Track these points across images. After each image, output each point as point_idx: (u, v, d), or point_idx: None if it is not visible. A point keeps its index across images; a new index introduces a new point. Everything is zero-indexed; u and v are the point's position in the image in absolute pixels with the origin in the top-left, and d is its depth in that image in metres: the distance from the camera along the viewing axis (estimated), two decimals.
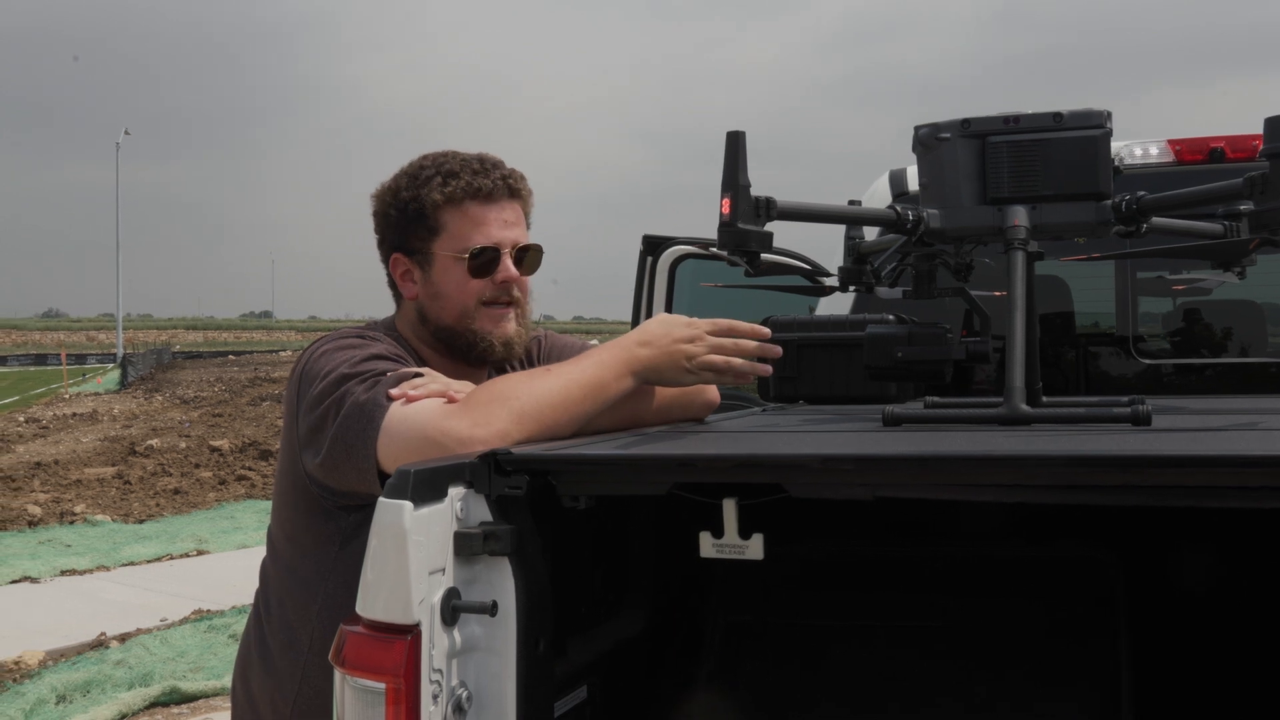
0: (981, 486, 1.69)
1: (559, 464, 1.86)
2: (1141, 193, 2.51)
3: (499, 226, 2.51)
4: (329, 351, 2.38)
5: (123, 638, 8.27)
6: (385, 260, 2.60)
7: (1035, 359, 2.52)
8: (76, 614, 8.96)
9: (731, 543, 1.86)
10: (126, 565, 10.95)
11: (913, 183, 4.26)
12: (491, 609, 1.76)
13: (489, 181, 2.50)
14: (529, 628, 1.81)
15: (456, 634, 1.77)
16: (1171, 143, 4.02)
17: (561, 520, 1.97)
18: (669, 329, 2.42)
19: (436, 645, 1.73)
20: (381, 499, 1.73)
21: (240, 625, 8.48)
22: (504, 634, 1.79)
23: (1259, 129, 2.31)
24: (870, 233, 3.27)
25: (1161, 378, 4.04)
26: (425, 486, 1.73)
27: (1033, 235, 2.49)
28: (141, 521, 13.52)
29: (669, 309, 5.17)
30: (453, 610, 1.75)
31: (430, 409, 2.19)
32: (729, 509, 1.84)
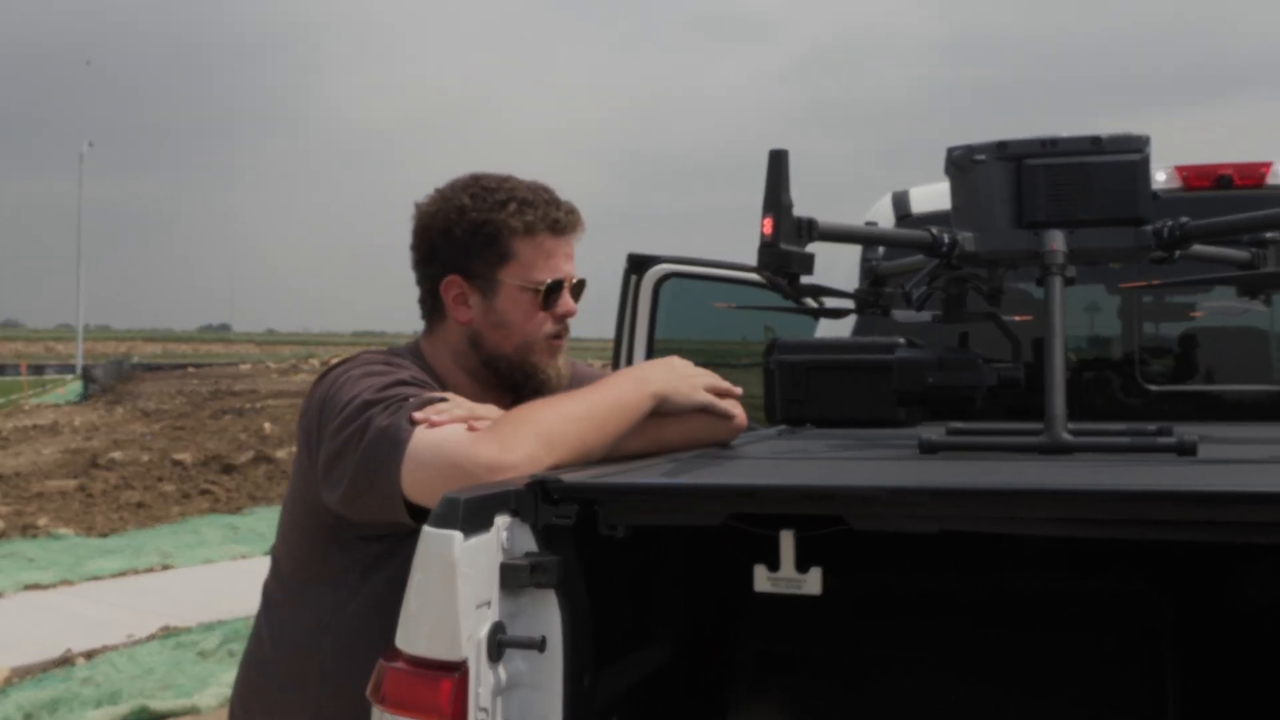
0: (1057, 521, 1.63)
1: (610, 493, 1.79)
2: (1185, 219, 2.47)
3: (564, 260, 2.49)
4: (353, 378, 2.30)
5: (89, 655, 8.09)
6: (432, 278, 2.49)
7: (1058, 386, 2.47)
8: (42, 630, 8.76)
9: (788, 576, 1.79)
10: (91, 580, 10.72)
11: (916, 204, 4.24)
12: (540, 644, 1.69)
13: (561, 215, 2.47)
14: (575, 663, 1.74)
15: (501, 670, 1.70)
16: (1179, 169, 3.99)
17: (599, 549, 1.90)
18: (677, 361, 2.50)
19: (482, 682, 1.66)
20: (427, 528, 1.66)
21: (208, 642, 8.35)
22: (550, 669, 1.72)
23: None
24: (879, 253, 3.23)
25: (1169, 404, 4.00)
26: (473, 516, 1.65)
27: (1070, 260, 2.45)
28: (105, 535, 13.26)
29: (652, 328, 5.14)
30: (498, 645, 1.68)
31: (457, 435, 2.12)
32: (786, 541, 1.77)
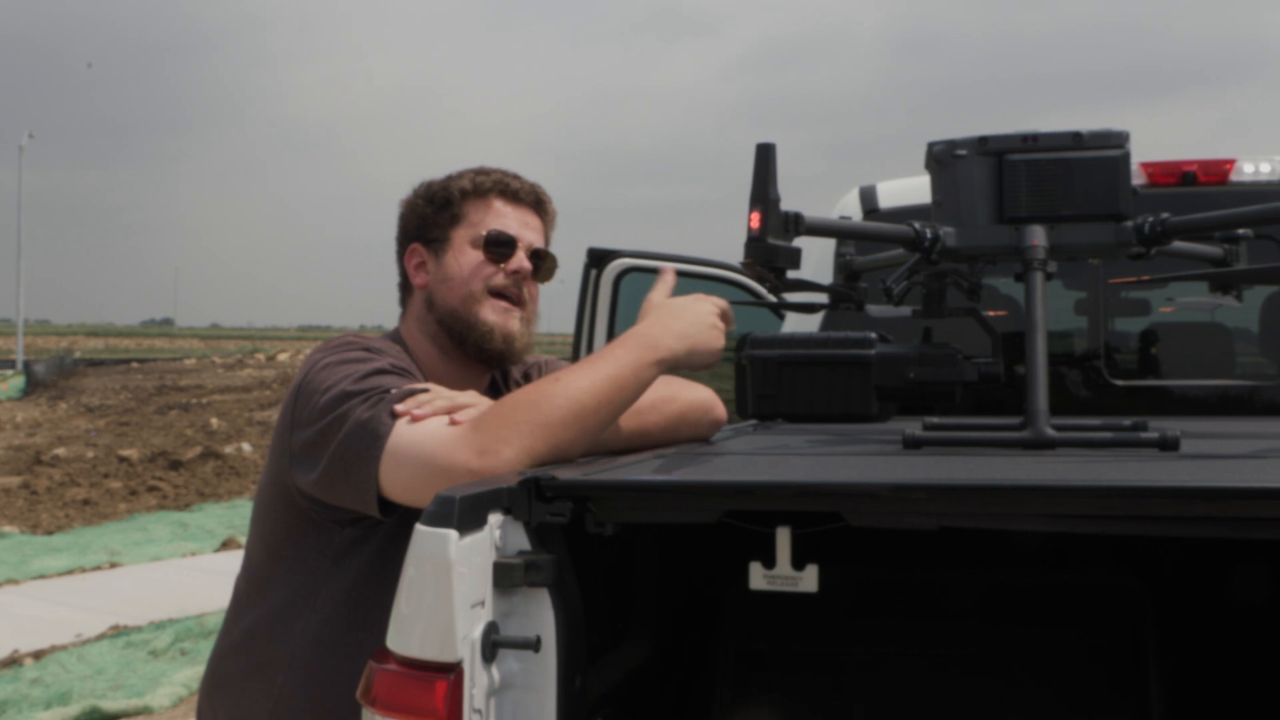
0: (1054, 517, 1.62)
1: (605, 490, 1.76)
2: (1165, 215, 2.47)
3: (519, 224, 2.51)
4: (332, 364, 2.26)
5: (38, 655, 7.97)
6: (401, 256, 2.56)
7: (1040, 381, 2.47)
8: None
9: (784, 574, 1.77)
10: (38, 579, 10.56)
11: (883, 199, 4.23)
12: (535, 644, 1.66)
13: (519, 184, 2.53)
14: (568, 663, 1.71)
15: (495, 670, 1.66)
16: (1144, 165, 4.00)
17: (586, 547, 1.87)
18: (677, 305, 2.37)
19: (477, 683, 1.62)
20: (421, 527, 1.62)
21: (159, 641, 8.23)
22: (543, 670, 1.69)
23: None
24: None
25: (1135, 399, 4.02)
26: (468, 514, 1.62)
27: (1051, 256, 2.45)
28: (51, 533, 13.08)
29: (613, 322, 5.12)
30: (493, 646, 1.65)
31: (438, 434, 2.07)
32: (783, 538, 1.75)
